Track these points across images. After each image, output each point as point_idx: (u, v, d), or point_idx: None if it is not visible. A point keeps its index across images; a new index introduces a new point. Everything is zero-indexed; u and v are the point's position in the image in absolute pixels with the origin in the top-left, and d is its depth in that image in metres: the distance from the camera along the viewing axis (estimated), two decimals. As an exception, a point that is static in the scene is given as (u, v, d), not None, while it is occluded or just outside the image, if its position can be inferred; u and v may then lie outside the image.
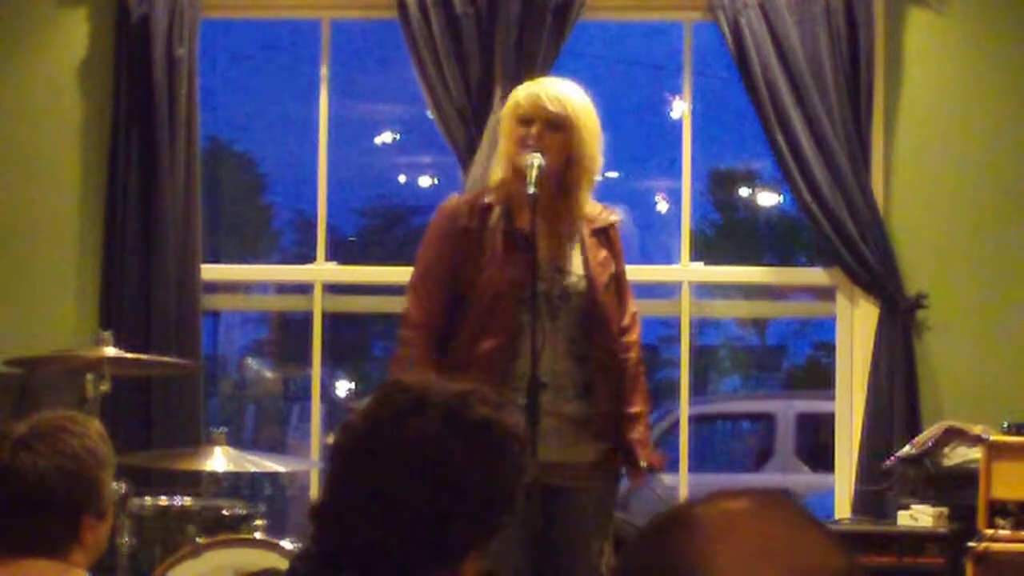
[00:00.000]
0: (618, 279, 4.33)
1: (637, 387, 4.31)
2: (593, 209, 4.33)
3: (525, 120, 4.20)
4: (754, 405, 12.64)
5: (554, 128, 4.18)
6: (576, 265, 4.24)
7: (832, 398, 5.93)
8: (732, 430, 12.60)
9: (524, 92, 4.27)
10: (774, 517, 1.32)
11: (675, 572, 1.28)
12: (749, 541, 1.29)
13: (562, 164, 4.20)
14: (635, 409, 4.28)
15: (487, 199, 4.27)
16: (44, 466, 2.75)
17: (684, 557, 1.29)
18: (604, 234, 4.32)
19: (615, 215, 4.39)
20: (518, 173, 4.18)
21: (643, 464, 4.26)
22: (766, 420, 11.82)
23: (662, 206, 11.69)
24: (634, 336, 4.34)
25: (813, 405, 12.17)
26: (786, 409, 11.71)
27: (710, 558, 1.27)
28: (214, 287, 6.07)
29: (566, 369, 4.16)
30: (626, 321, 4.34)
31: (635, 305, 4.43)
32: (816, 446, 12.00)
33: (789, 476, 11.08)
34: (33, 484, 2.75)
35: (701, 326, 12.09)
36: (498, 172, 4.30)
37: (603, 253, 4.28)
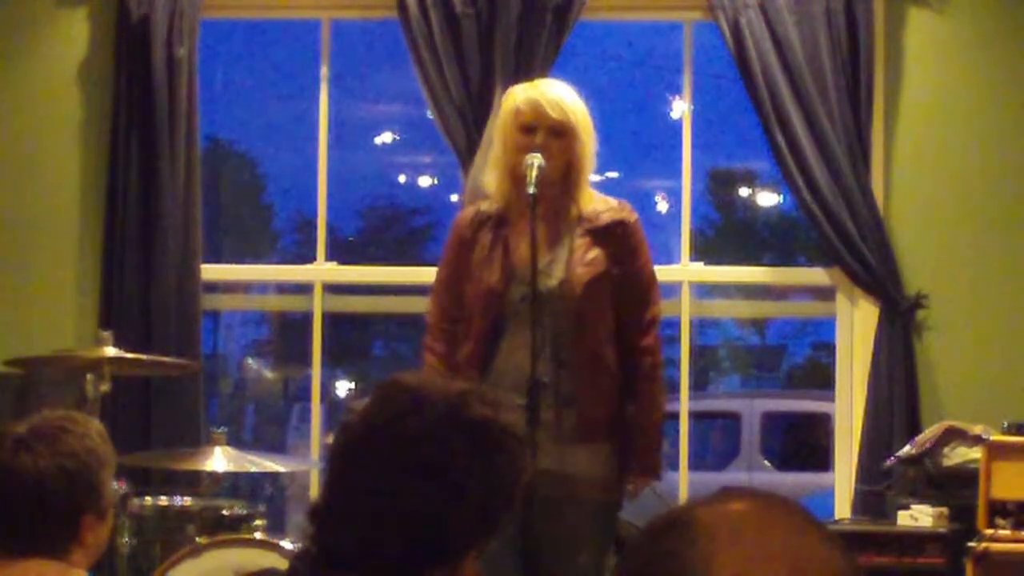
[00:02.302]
0: (630, 279, 4.22)
1: (646, 394, 4.21)
2: (602, 205, 4.28)
3: (527, 128, 4.18)
4: (719, 404, 12.64)
5: (556, 135, 4.17)
6: (558, 268, 4.21)
7: (804, 398, 5.95)
8: (695, 429, 12.67)
9: (523, 97, 4.23)
10: (776, 520, 1.32)
11: (677, 575, 1.28)
12: (750, 544, 1.29)
13: (563, 169, 4.19)
14: (640, 419, 4.20)
15: (484, 207, 4.29)
16: (44, 466, 2.75)
17: (685, 560, 1.29)
18: (606, 233, 4.25)
19: (625, 211, 4.29)
20: (519, 180, 4.17)
21: (635, 480, 4.22)
22: (732, 419, 11.84)
23: (662, 206, 11.70)
24: (649, 340, 4.22)
25: (778, 404, 12.21)
26: (751, 408, 11.73)
27: (711, 561, 1.27)
28: (214, 287, 6.08)
29: (548, 374, 4.12)
30: (643, 324, 4.22)
31: (657, 307, 4.28)
32: (783, 445, 12.04)
33: (754, 475, 11.10)
34: (33, 484, 2.75)
35: (701, 326, 12.10)
36: (495, 179, 4.28)
37: (593, 253, 4.21)
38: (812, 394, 11.88)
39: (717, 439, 12.36)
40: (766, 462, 11.60)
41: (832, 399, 5.99)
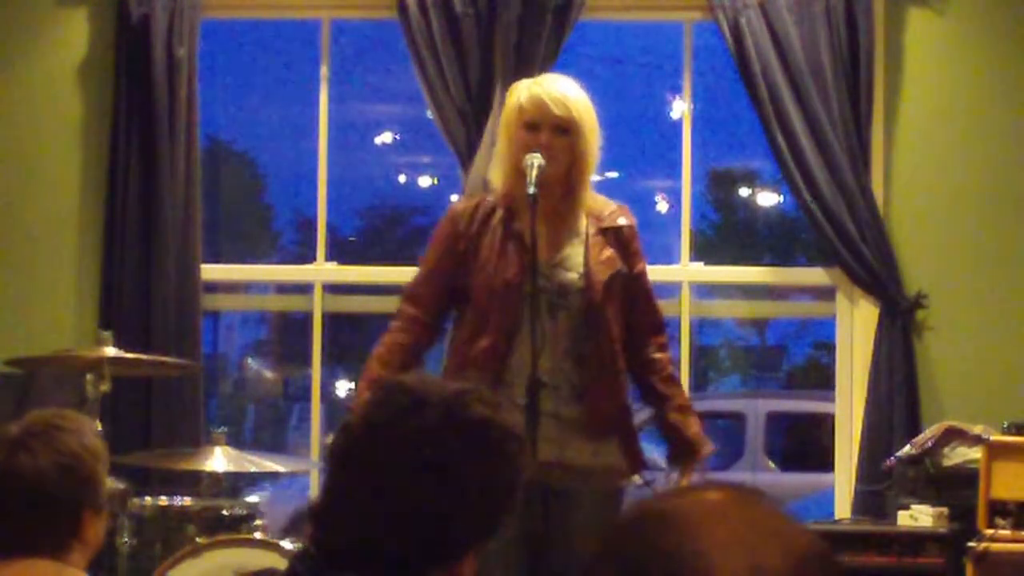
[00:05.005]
0: (637, 281, 4.29)
1: (678, 384, 4.45)
2: (604, 207, 4.30)
3: (531, 125, 4.18)
4: (723, 404, 12.63)
5: (561, 132, 4.17)
6: (576, 263, 4.23)
7: (809, 398, 5.94)
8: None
9: (527, 95, 4.23)
10: (754, 504, 1.35)
11: (664, 558, 1.30)
12: (737, 523, 1.31)
13: (568, 166, 4.19)
14: (682, 405, 4.37)
15: (491, 203, 4.29)
16: (43, 465, 2.76)
17: (668, 543, 1.30)
18: (613, 234, 4.28)
19: (625, 217, 4.33)
20: (522, 176, 4.17)
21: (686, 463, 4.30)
22: (735, 420, 11.83)
23: (662, 206, 11.69)
24: (664, 338, 4.36)
25: (783, 404, 12.19)
26: (755, 408, 11.71)
27: (697, 541, 1.29)
28: (214, 287, 6.07)
29: (564, 369, 4.15)
30: (657, 324, 4.35)
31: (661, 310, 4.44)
32: (787, 445, 12.03)
33: (759, 475, 11.09)
34: (34, 484, 2.75)
35: (701, 326, 12.10)
36: (500, 176, 4.28)
37: (607, 252, 4.24)
38: (817, 394, 11.87)
39: (720, 439, 12.36)
40: (770, 463, 11.59)
41: (833, 399, 5.98)
